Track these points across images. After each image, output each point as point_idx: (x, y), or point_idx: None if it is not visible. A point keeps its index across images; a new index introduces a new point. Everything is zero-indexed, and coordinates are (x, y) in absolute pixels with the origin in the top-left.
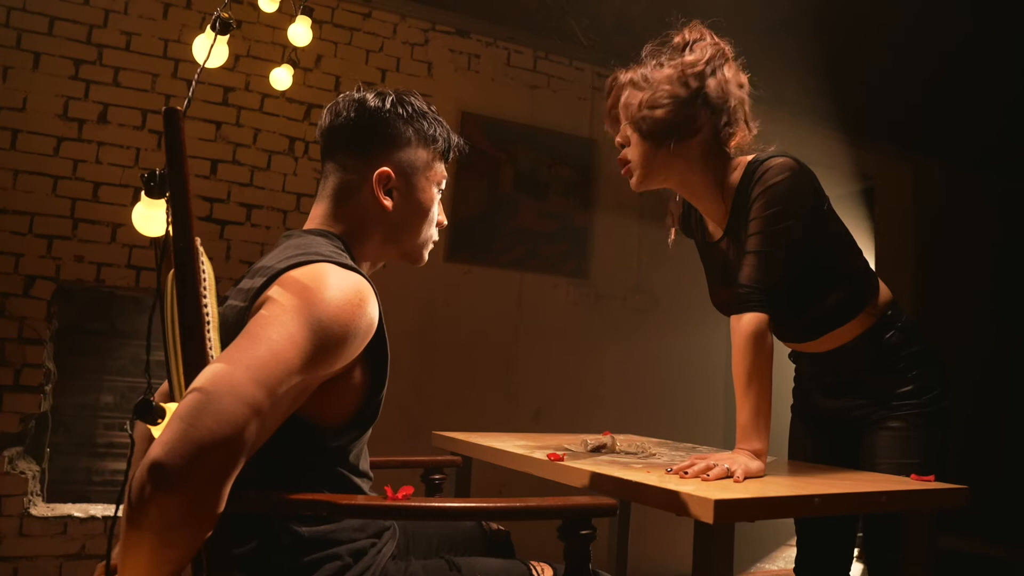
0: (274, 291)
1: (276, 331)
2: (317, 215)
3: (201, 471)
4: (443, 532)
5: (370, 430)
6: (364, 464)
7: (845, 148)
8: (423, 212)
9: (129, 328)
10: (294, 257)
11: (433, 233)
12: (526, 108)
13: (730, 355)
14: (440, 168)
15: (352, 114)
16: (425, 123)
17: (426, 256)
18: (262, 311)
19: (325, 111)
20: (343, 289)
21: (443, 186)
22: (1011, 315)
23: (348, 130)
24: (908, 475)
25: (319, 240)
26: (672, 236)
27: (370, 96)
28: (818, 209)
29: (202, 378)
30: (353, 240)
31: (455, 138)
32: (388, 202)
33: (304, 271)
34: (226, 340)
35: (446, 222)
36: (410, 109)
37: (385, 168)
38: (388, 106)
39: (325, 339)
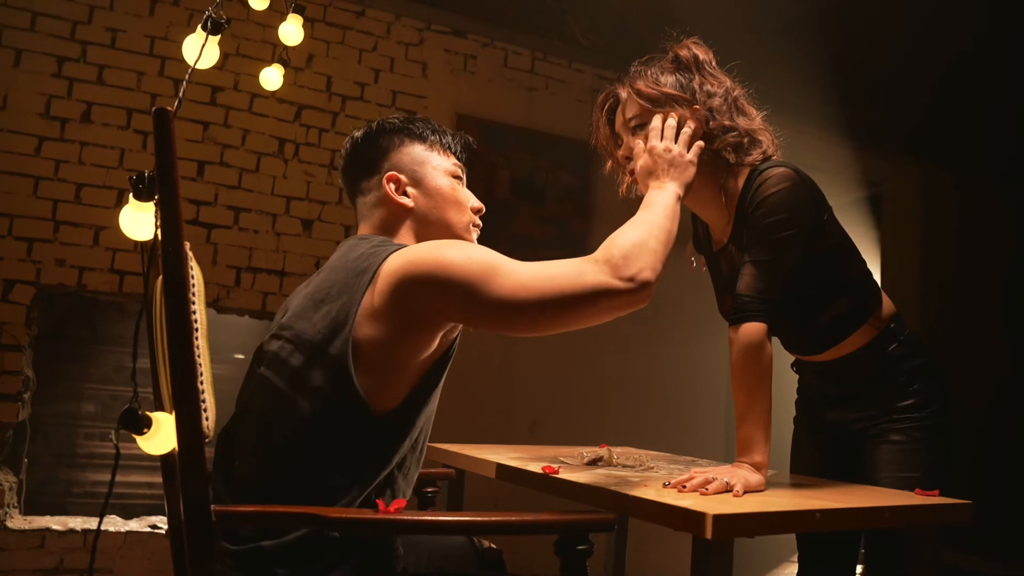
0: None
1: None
2: (358, 234)
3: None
4: (434, 548)
5: (417, 435)
6: (411, 478)
7: (852, 154)
8: (444, 199)
9: (112, 335)
10: (385, 250)
11: (471, 217)
12: (524, 111)
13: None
14: (445, 159)
15: (348, 148)
16: (411, 126)
17: (473, 240)
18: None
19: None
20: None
21: (460, 176)
22: (1021, 326)
23: (353, 164)
24: (910, 489)
25: (382, 238)
26: (695, 264)
27: (357, 131)
28: (818, 219)
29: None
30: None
31: (454, 135)
32: (407, 200)
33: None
34: (287, 372)
35: (483, 206)
36: (394, 121)
37: (391, 172)
38: (374, 128)
39: None
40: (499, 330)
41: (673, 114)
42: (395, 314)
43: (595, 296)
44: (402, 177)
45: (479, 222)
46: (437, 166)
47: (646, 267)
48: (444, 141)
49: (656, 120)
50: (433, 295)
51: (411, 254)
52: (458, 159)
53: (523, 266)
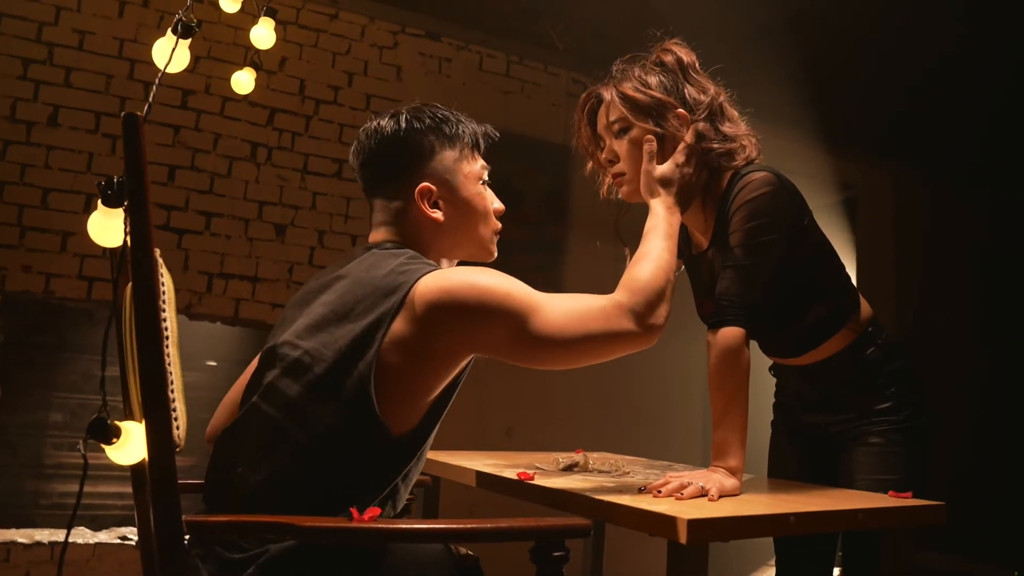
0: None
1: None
2: (379, 240)
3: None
4: (410, 556)
5: (424, 452)
6: (411, 484)
7: (826, 157)
8: (473, 211)
9: (80, 342)
10: (416, 270)
11: (495, 225)
12: (499, 114)
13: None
14: (474, 162)
15: (374, 145)
16: (445, 126)
17: (495, 250)
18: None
19: (351, 152)
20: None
21: (486, 177)
22: (996, 328)
23: (378, 162)
24: (886, 492)
25: (408, 252)
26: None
27: (385, 121)
28: (799, 224)
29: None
30: (422, 254)
31: (478, 128)
32: (438, 214)
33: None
34: (315, 380)
35: (503, 207)
36: (426, 120)
37: (424, 183)
38: (404, 125)
39: None
40: (523, 363)
41: (688, 132)
42: (426, 343)
43: (618, 339)
44: (434, 188)
45: (500, 226)
46: (468, 173)
47: (662, 314)
48: (474, 140)
49: (689, 137)
50: (469, 329)
51: (447, 283)
52: (484, 156)
53: (556, 304)
